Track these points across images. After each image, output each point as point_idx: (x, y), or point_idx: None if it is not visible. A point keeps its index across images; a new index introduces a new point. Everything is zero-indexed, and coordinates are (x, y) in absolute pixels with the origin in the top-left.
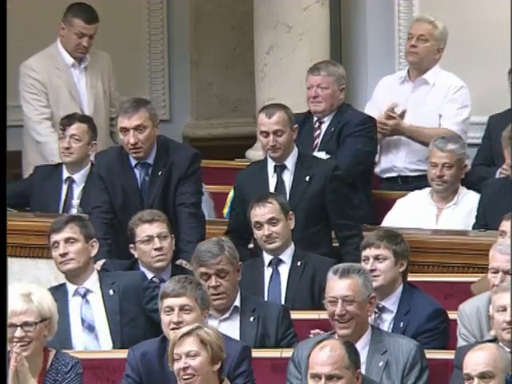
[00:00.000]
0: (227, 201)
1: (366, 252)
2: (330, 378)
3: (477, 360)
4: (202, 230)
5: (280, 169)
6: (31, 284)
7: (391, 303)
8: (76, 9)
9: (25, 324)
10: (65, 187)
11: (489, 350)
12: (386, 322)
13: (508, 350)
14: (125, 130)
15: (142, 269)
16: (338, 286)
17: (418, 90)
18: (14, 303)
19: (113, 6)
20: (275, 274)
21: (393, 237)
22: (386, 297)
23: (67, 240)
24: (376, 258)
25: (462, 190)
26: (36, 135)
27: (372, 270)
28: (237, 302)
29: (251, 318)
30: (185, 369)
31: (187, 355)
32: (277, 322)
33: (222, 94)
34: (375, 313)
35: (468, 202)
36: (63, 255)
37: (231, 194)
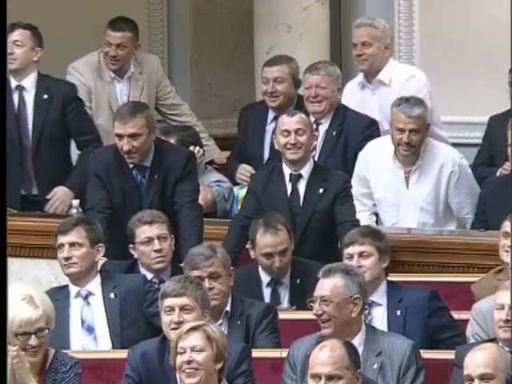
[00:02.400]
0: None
1: (350, 249)
2: (330, 378)
3: (477, 361)
4: (202, 225)
5: (295, 178)
6: (27, 286)
7: (378, 297)
8: (112, 20)
9: (38, 330)
10: (16, 97)
11: (489, 350)
12: (378, 316)
13: (507, 349)
14: (119, 135)
15: (142, 269)
16: (319, 285)
17: (377, 92)
18: (23, 310)
19: (113, 6)
20: (275, 295)
21: (376, 233)
22: (372, 292)
23: (72, 244)
24: (360, 254)
25: (425, 148)
26: None
27: (358, 267)
28: (228, 307)
29: (238, 322)
30: (189, 362)
31: (192, 349)
32: (256, 319)
33: (222, 94)
34: (365, 309)
35: (434, 161)
36: (67, 259)
37: (243, 193)
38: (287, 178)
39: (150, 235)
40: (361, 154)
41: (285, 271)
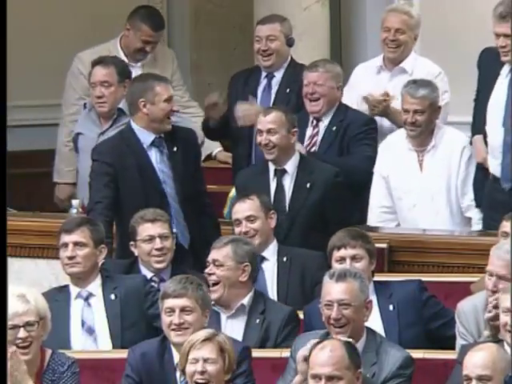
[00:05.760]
0: (227, 201)
1: (342, 253)
2: (330, 378)
3: (475, 362)
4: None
5: (280, 173)
6: (20, 286)
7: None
8: (145, 14)
9: (27, 324)
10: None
11: (488, 351)
12: (371, 315)
13: (508, 351)
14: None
15: (142, 267)
16: (334, 289)
17: (396, 78)
18: (13, 305)
19: (113, 6)
20: (260, 273)
21: (364, 236)
22: None
23: (76, 244)
24: (353, 257)
25: (439, 131)
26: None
27: None
28: (245, 301)
29: (257, 320)
30: (202, 373)
31: (205, 361)
32: (279, 326)
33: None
34: None
35: (447, 142)
36: (70, 258)
37: (232, 193)
38: (271, 173)
39: (151, 233)
40: (380, 148)
41: (257, 240)
